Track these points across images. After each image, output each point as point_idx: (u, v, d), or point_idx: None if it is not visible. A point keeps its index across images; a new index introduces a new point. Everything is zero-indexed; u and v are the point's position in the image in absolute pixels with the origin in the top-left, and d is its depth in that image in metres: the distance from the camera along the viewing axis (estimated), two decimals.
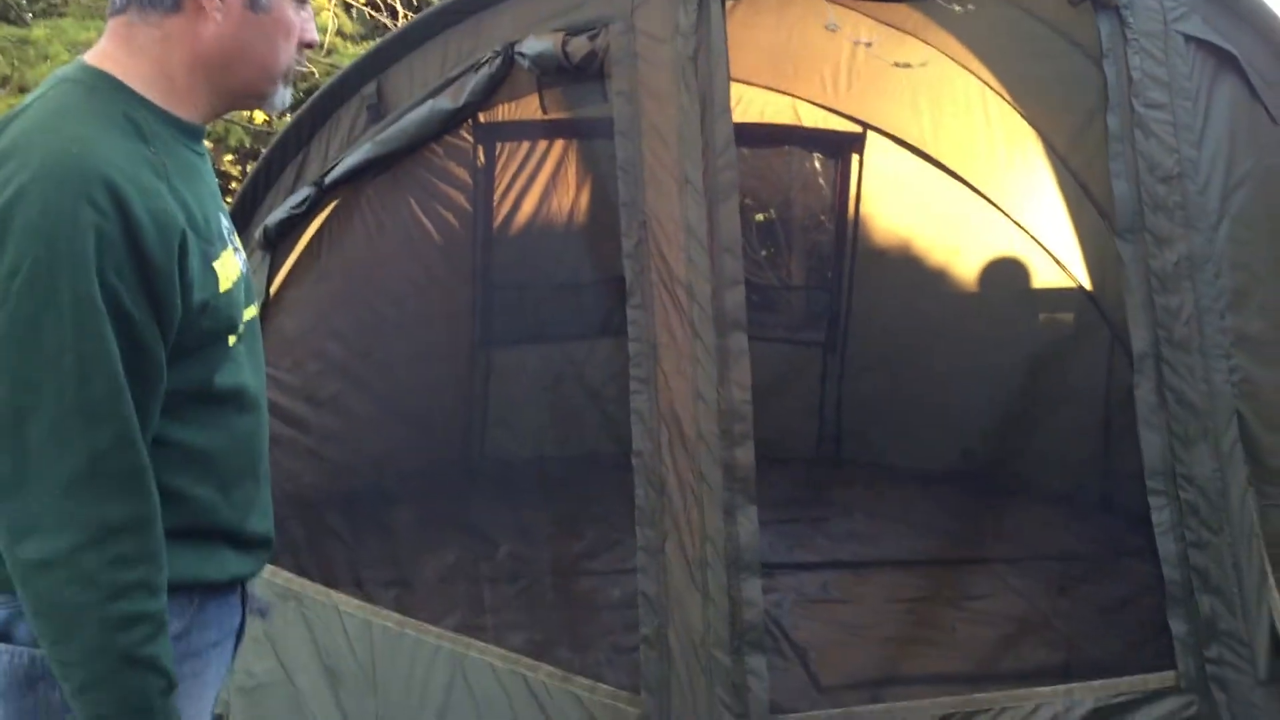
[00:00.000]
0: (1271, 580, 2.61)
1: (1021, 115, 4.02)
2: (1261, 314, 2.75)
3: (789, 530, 4.18)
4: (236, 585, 1.59)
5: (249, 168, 6.20)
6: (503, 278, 4.63)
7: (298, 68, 1.58)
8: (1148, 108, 2.71)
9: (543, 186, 4.52)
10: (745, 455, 2.49)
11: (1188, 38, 2.81)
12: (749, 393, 2.51)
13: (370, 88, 2.99)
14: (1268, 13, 3.14)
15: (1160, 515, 2.61)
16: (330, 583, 2.94)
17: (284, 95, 1.57)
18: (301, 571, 2.94)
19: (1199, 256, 2.69)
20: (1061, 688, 2.57)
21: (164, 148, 1.41)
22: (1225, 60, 2.84)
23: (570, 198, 4.25)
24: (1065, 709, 2.53)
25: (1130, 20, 2.74)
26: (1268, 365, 2.75)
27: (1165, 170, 2.72)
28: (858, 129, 4.73)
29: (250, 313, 1.56)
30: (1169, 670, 2.59)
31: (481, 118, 3.44)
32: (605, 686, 2.57)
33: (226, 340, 1.47)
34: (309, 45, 1.57)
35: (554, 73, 2.74)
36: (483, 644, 2.70)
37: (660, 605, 2.47)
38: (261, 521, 1.57)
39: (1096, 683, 2.58)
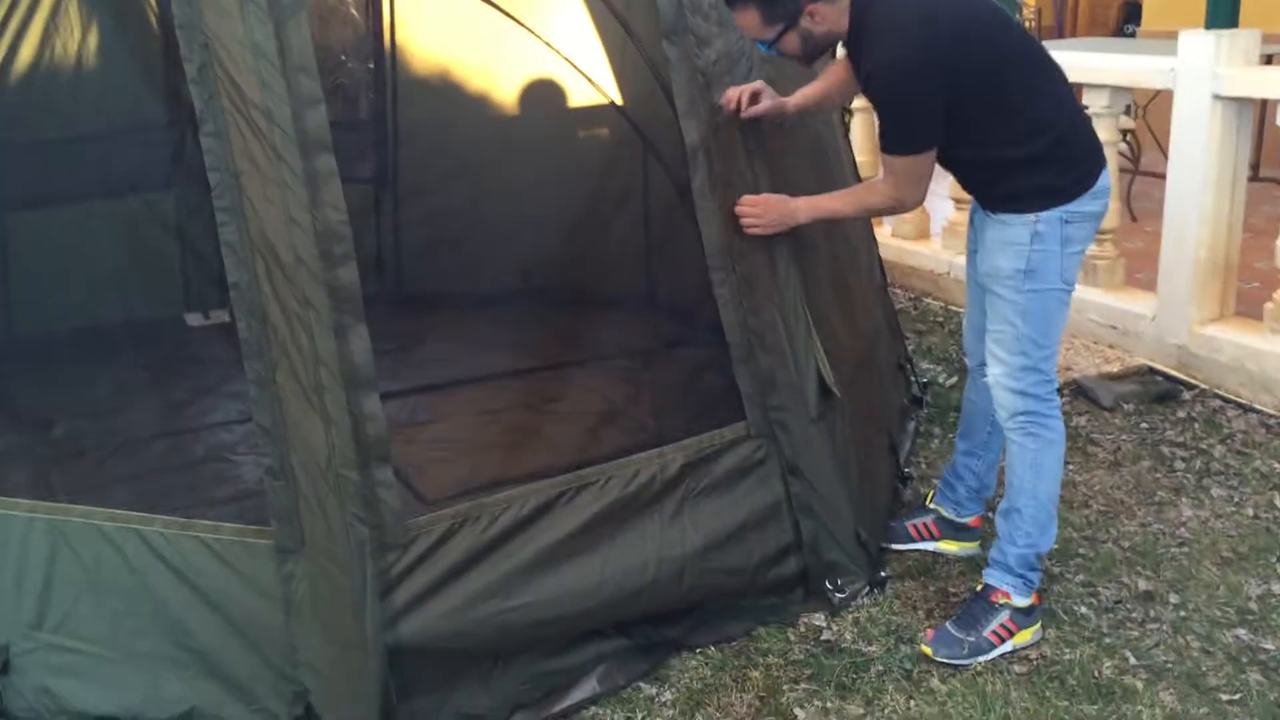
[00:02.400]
0: (815, 337, 3.03)
1: None
2: None
3: None
4: None
5: None
6: (11, 133, 4.14)
7: None
8: None
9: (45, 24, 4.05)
10: (349, 275, 2.50)
11: None
12: (345, 213, 2.50)
13: None
14: None
15: (721, 290, 2.90)
16: None
17: None
18: None
19: (735, 53, 2.96)
20: (654, 452, 2.84)
21: None
22: None
23: (94, 35, 3.85)
24: (661, 469, 2.81)
25: None
26: None
27: None
28: None
29: None
30: (741, 422, 2.95)
31: None
32: (230, 525, 2.51)
33: None
34: None
35: None
36: (85, 507, 2.54)
37: (279, 434, 2.43)
38: None
39: (684, 442, 2.88)
